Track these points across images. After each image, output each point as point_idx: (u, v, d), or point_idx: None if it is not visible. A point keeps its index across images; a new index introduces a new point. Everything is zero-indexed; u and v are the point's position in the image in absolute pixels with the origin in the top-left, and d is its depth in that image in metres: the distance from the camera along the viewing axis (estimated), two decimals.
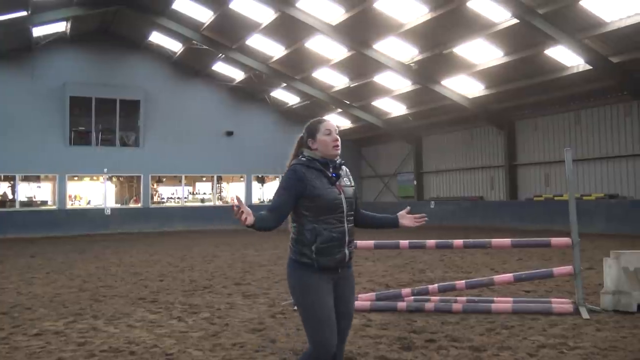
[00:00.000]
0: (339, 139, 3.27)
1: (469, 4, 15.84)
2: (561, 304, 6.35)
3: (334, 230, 3.11)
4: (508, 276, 6.91)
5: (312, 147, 3.26)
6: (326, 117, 3.46)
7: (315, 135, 3.26)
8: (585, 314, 5.98)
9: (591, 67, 16.50)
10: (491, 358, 4.64)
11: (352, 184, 3.32)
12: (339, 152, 3.26)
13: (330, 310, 3.09)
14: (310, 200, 3.10)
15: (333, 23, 18.90)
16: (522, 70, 18.43)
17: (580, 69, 17.09)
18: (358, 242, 7.13)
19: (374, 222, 3.49)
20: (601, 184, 19.02)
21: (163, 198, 28.35)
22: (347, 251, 3.16)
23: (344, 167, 3.31)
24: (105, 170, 25.30)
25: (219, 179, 29.32)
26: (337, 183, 3.20)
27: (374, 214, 3.55)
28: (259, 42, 22.26)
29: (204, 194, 29.42)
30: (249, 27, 20.98)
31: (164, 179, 28.22)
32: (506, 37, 17.00)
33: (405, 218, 3.44)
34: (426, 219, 3.42)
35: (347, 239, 3.16)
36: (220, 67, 26.36)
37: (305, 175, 3.12)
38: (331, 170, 3.21)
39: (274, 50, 22.65)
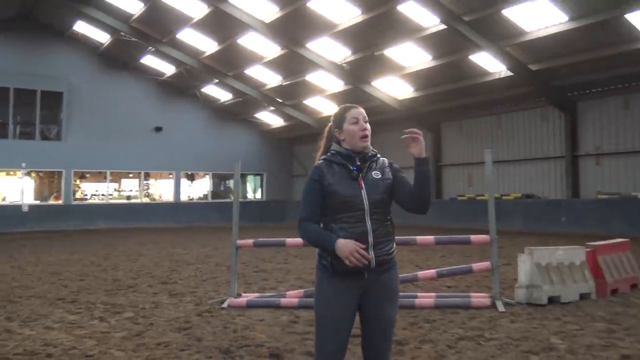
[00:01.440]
0: (369, 128, 2.94)
1: (399, 8, 16.25)
2: (479, 298, 6.66)
3: (350, 231, 2.77)
4: (431, 272, 7.18)
5: (339, 138, 2.96)
6: (355, 105, 3.04)
7: (342, 124, 2.96)
8: (501, 307, 6.30)
9: (512, 74, 17.38)
10: (413, 351, 4.81)
11: (388, 177, 2.91)
12: (368, 143, 2.94)
13: (340, 320, 2.81)
14: (329, 198, 2.84)
15: (266, 20, 18.83)
16: (449, 74, 19.13)
17: (502, 75, 17.96)
18: (287, 239, 7.18)
19: (417, 190, 2.89)
20: (519, 185, 20.06)
21: (86, 195, 27.21)
22: (372, 254, 2.77)
23: (381, 160, 2.97)
24: (24, 164, 23.98)
25: (147, 176, 28.49)
26: (360, 177, 2.85)
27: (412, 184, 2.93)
28: (190, 37, 21.83)
29: (130, 190, 28.49)
30: (181, 20, 20.53)
31: (88, 175, 27.09)
32: (434, 42, 17.58)
33: (409, 147, 2.89)
34: (415, 130, 2.87)
35: (371, 240, 2.78)
36: (150, 61, 25.62)
37: (324, 173, 2.87)
38: (357, 162, 2.89)
39: (206, 45, 22.29)
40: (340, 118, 3.00)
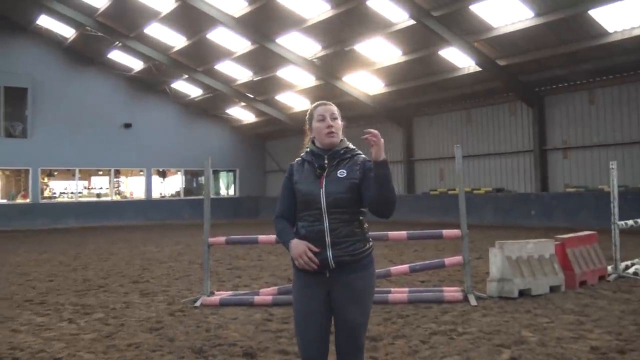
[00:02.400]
0: (335, 125, 2.91)
1: (368, 3, 16.28)
2: (452, 292, 6.73)
3: (309, 229, 2.80)
4: (404, 267, 7.23)
5: (311, 136, 2.99)
6: (326, 101, 3.03)
7: (311, 122, 2.98)
8: (473, 301, 6.38)
9: (480, 69, 17.58)
10: (387, 347, 4.83)
11: (354, 176, 2.82)
12: (335, 139, 2.90)
13: (310, 315, 2.82)
14: (296, 195, 2.89)
15: (235, 15, 18.65)
16: (419, 69, 19.27)
17: (471, 70, 18.16)
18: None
19: (377, 193, 2.74)
20: (490, 179, 20.35)
21: (55, 193, 26.61)
22: (329, 254, 2.75)
23: (357, 157, 2.90)
24: None
25: (117, 173, 28.00)
26: (323, 175, 2.83)
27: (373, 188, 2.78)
28: (158, 31, 21.48)
29: (101, 188, 27.97)
30: (148, 15, 20.18)
31: (56, 173, 26.50)
32: (404, 37, 17.67)
33: (370, 148, 2.75)
34: (373, 132, 2.76)
35: (328, 240, 2.76)
36: (117, 56, 25.13)
37: (294, 170, 2.95)
38: (325, 160, 2.87)
39: (175, 40, 21.97)
40: (309, 116, 3.01)
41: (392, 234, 6.86)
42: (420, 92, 20.85)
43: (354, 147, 3.00)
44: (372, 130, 2.73)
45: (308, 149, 2.97)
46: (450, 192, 20.81)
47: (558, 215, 17.13)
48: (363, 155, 2.96)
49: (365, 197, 2.80)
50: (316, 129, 2.94)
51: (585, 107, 17.60)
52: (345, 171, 2.84)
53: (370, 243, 2.90)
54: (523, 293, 6.59)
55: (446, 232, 6.84)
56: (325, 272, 2.79)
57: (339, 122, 2.97)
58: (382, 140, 2.72)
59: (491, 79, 18.24)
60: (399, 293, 6.76)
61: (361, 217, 2.87)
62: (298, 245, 2.77)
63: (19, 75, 24.00)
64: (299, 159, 3.00)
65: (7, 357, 4.74)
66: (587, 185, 17.36)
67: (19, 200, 24.92)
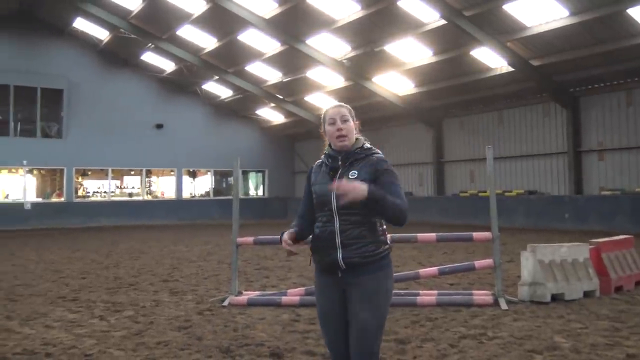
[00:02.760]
0: (345, 128, 2.89)
1: (399, 3, 16.17)
2: (482, 295, 6.61)
3: (322, 229, 2.85)
4: (433, 270, 7.13)
5: (325, 138, 2.99)
6: (340, 103, 3.02)
7: (324, 125, 2.98)
8: (504, 305, 6.25)
9: (513, 69, 17.28)
10: (415, 350, 4.76)
11: (364, 178, 2.79)
12: (345, 143, 2.89)
13: (328, 314, 2.90)
14: (314, 197, 2.95)
15: (266, 16, 18.75)
16: (450, 70, 19.04)
17: (503, 71, 17.87)
18: None
19: (383, 214, 2.81)
20: (522, 181, 19.98)
21: (88, 192, 27.20)
22: (339, 255, 2.78)
23: (372, 158, 2.86)
24: (25, 162, 23.96)
25: (148, 173, 28.46)
26: (336, 177, 2.84)
27: None
28: (190, 33, 21.75)
29: (133, 188, 28.48)
30: (180, 17, 20.45)
31: (90, 172, 27.08)
32: (435, 37, 17.49)
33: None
34: (339, 188, 2.71)
35: (338, 241, 2.78)
36: (150, 58, 25.54)
37: (312, 172, 3.00)
38: (339, 162, 2.88)
39: (206, 41, 22.22)
40: (322, 119, 3.01)
41: (421, 235, 6.78)
42: (451, 93, 20.61)
43: (370, 146, 2.96)
44: (338, 187, 2.67)
45: (326, 151, 2.99)
46: (480, 194, 20.51)
47: (593, 218, 16.71)
48: (377, 155, 2.91)
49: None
50: (328, 132, 2.94)
51: (622, 108, 17.13)
52: (356, 172, 2.83)
53: (386, 246, 2.86)
54: (556, 298, 6.44)
55: (476, 234, 6.73)
56: (337, 272, 2.82)
57: (351, 123, 2.94)
58: (348, 186, 2.65)
59: (524, 80, 17.91)
60: (427, 295, 6.67)
61: (373, 220, 2.82)
62: (284, 236, 2.92)
63: (55, 77, 24.62)
64: (319, 160, 3.03)
65: (40, 352, 4.84)
66: (623, 188, 16.88)
67: (54, 199, 25.54)
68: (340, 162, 2.89)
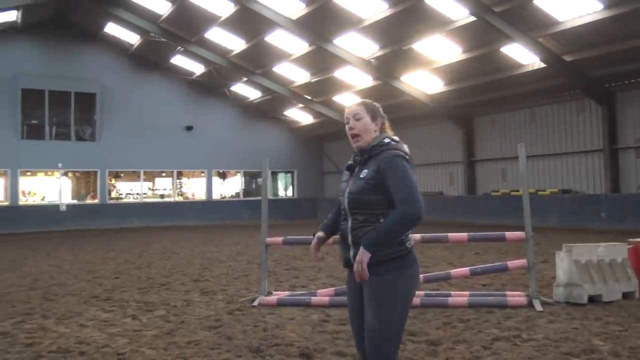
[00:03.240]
0: (356, 126, 2.86)
1: (427, 1, 16.00)
2: (515, 297, 6.47)
3: (341, 227, 2.89)
4: (465, 270, 7.01)
5: None
6: (357, 102, 2.98)
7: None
8: (538, 307, 6.10)
9: (545, 65, 16.92)
10: (447, 352, 4.68)
11: (370, 177, 2.75)
12: (359, 143, 2.86)
13: (350, 310, 2.96)
14: None
15: (293, 17, 18.79)
16: (480, 67, 18.75)
17: (535, 67, 17.51)
18: None
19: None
20: (555, 180, 19.55)
21: (121, 194, 27.72)
22: (351, 253, 2.79)
23: (385, 154, 2.77)
24: (60, 165, 24.54)
25: (179, 175, 28.84)
26: (353, 175, 2.88)
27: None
28: (218, 36, 21.96)
29: (164, 189, 28.90)
30: (208, 19, 20.65)
31: (122, 175, 27.58)
32: (464, 34, 17.25)
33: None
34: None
35: (350, 239, 2.81)
36: (180, 61, 25.89)
37: (343, 172, 3.01)
38: (357, 160, 2.89)
39: (234, 43, 22.39)
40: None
41: (452, 235, 6.66)
42: (481, 91, 20.29)
43: (390, 140, 2.86)
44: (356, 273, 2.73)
45: (354, 150, 2.99)
46: (512, 193, 20.15)
47: (631, 217, 16.20)
48: (390, 151, 2.78)
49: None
50: (347, 131, 2.94)
51: None
52: (366, 170, 2.80)
53: (400, 247, 2.74)
54: (593, 299, 6.25)
55: (509, 234, 6.59)
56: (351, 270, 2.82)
57: (366, 120, 2.87)
58: (357, 272, 2.71)
59: (557, 76, 17.50)
60: (459, 296, 6.56)
61: (383, 220, 2.72)
62: (313, 243, 3.05)
63: (88, 81, 25.15)
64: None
65: (74, 350, 4.91)
66: None
67: (88, 201, 26.09)
68: (358, 159, 2.89)
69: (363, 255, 2.65)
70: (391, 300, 2.73)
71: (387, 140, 2.86)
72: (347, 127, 2.91)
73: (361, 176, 2.79)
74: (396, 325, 2.74)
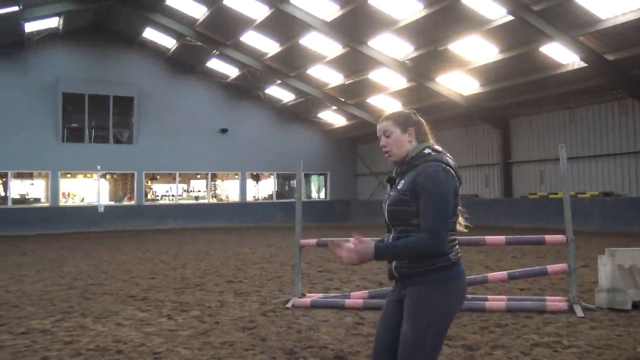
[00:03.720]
0: (388, 144, 2.80)
1: (463, 1, 15.77)
2: (555, 302, 6.28)
3: (385, 239, 2.80)
4: (502, 274, 6.85)
5: None
6: (385, 116, 2.90)
7: None
8: (579, 312, 5.91)
9: (586, 65, 16.46)
10: (484, 357, 4.56)
11: (405, 188, 2.69)
12: (393, 158, 2.81)
13: (382, 316, 2.86)
14: None
15: (327, 19, 18.79)
16: (517, 67, 18.37)
17: (575, 67, 17.05)
18: None
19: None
20: (596, 182, 19.01)
21: (157, 195, 28.20)
22: (392, 265, 2.72)
23: (423, 165, 2.68)
24: (99, 167, 25.14)
25: (214, 177, 29.18)
26: (393, 188, 2.81)
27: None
28: (253, 39, 22.13)
29: (199, 191, 29.28)
30: (243, 23, 20.84)
31: (158, 177, 28.06)
32: (501, 34, 16.94)
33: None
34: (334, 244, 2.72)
35: None
36: (215, 64, 26.20)
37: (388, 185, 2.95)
38: (396, 170, 2.83)
39: (269, 46, 22.53)
40: None
41: (490, 238, 6.52)
42: (519, 92, 19.87)
43: (431, 150, 2.75)
44: (333, 243, 2.62)
45: None
46: (551, 195, 19.68)
47: None
48: (427, 163, 2.68)
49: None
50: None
51: None
52: (403, 182, 2.74)
53: (442, 258, 2.64)
54: (637, 305, 6.02)
55: (549, 237, 6.41)
56: (398, 282, 2.78)
57: (396, 135, 2.77)
58: (351, 251, 2.57)
59: (598, 75, 17.01)
60: (496, 301, 6.41)
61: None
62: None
63: (126, 85, 25.71)
64: None
65: (111, 349, 4.99)
66: None
67: (125, 202, 26.62)
68: (397, 172, 2.82)
69: (367, 250, 2.57)
70: (426, 313, 2.62)
71: (427, 150, 2.76)
72: (380, 144, 2.86)
73: (399, 187, 2.74)
74: (431, 341, 2.61)
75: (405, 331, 2.65)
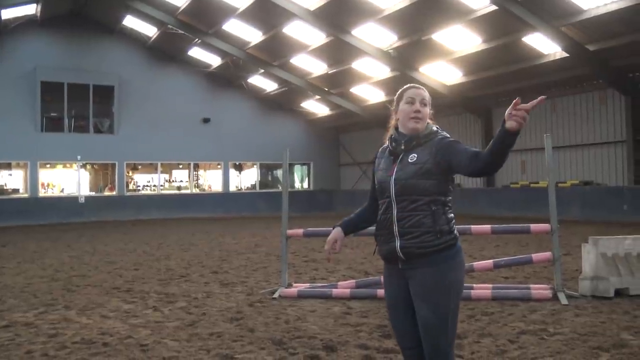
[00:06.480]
0: (422, 112, 2.76)
1: None
2: (540, 290, 6.36)
3: (382, 217, 2.75)
4: (488, 263, 6.91)
5: (396, 118, 2.86)
6: (419, 85, 2.90)
7: (399, 103, 2.85)
8: (564, 300, 6.00)
9: (568, 55, 16.60)
10: (472, 345, 4.60)
11: (425, 160, 2.65)
12: (419, 126, 2.75)
13: (392, 306, 2.80)
14: (376, 183, 2.86)
15: (311, 8, 18.65)
16: (500, 57, 18.46)
17: (557, 57, 17.17)
18: None
19: (492, 153, 2.45)
20: (576, 171, 19.26)
21: (139, 186, 27.90)
22: (397, 244, 2.66)
23: (435, 139, 2.70)
24: (79, 157, 24.77)
25: (196, 167, 28.95)
26: (397, 161, 2.74)
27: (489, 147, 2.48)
28: (236, 27, 21.89)
29: (181, 181, 29.04)
30: (226, 11, 20.59)
31: (140, 167, 27.76)
32: (484, 24, 16.98)
33: (509, 118, 2.38)
34: (543, 97, 2.58)
35: (396, 230, 2.66)
36: (197, 53, 25.89)
37: (377, 157, 2.91)
38: (402, 146, 2.75)
39: (251, 35, 22.31)
40: (398, 97, 2.89)
41: (475, 227, 6.57)
42: (501, 81, 19.99)
43: (438, 128, 2.81)
44: (521, 110, 2.36)
45: (390, 134, 2.87)
46: (532, 185, 19.89)
47: None
48: (441, 135, 2.75)
49: (460, 165, 2.58)
50: (402, 111, 2.82)
51: None
52: (416, 155, 2.70)
53: (450, 236, 2.66)
54: (619, 293, 6.13)
55: (534, 226, 6.48)
56: (398, 263, 2.71)
57: (428, 109, 2.82)
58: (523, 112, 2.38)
59: (579, 66, 17.17)
60: (482, 289, 6.47)
61: (434, 207, 2.64)
62: (332, 234, 2.90)
63: (106, 74, 25.27)
64: (384, 145, 2.90)
65: (97, 341, 4.93)
66: None
67: (107, 193, 26.31)
68: (403, 146, 2.76)
69: (523, 120, 2.35)
70: (444, 292, 2.63)
71: (435, 128, 2.81)
72: (408, 107, 2.79)
73: (411, 161, 2.69)
74: (452, 316, 2.66)
75: (424, 317, 2.63)
